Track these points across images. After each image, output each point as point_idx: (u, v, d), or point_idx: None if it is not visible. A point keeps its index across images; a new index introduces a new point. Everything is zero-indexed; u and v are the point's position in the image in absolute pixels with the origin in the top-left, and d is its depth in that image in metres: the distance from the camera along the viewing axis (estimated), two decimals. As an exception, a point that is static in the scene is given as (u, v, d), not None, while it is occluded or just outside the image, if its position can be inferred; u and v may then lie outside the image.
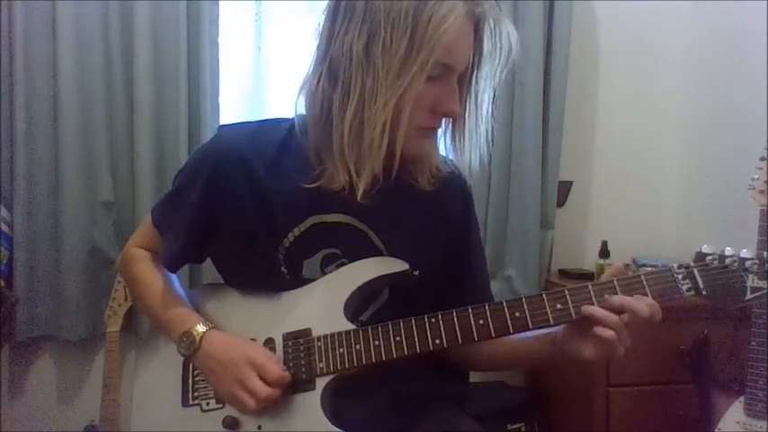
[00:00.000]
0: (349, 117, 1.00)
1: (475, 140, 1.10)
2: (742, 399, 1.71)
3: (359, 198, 1.03)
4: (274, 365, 1.03)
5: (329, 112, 1.03)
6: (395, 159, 1.05)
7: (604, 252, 2.25)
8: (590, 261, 2.39)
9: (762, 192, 1.66)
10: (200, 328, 1.09)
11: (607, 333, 0.96)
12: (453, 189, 1.18)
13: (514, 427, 2.19)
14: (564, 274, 2.37)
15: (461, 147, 1.10)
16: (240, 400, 1.03)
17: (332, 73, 1.02)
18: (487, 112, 1.10)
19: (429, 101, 1.03)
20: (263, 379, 1.02)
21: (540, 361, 1.14)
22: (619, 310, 0.97)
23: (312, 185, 1.07)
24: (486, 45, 1.05)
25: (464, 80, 1.07)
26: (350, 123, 1.00)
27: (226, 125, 1.21)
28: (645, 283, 1.00)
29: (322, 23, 1.05)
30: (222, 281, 1.23)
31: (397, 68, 0.97)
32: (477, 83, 1.08)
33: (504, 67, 1.07)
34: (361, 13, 0.98)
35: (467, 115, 1.09)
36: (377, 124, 0.99)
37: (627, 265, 1.04)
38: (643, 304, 0.97)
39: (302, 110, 1.09)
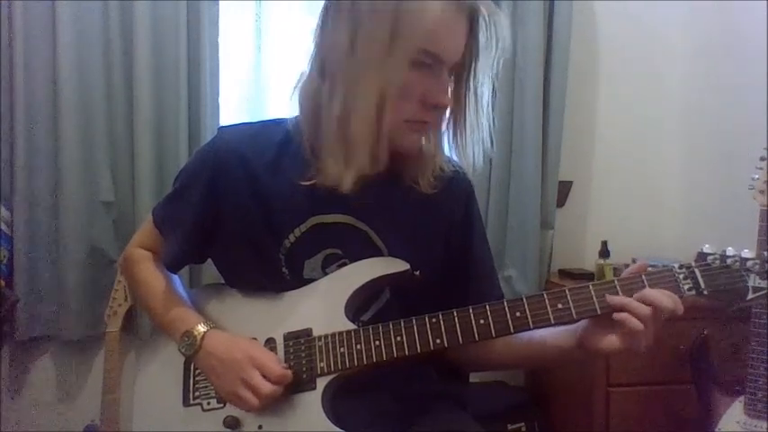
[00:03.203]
0: (336, 109, 1.01)
1: (477, 135, 1.10)
2: (742, 399, 1.72)
3: (343, 190, 1.03)
4: (275, 363, 1.04)
5: (319, 107, 1.05)
6: (397, 157, 1.05)
7: (604, 252, 2.25)
8: (590, 261, 2.39)
9: (762, 192, 1.66)
10: (201, 328, 1.09)
11: (636, 324, 0.96)
12: (455, 188, 1.17)
13: (514, 427, 2.18)
14: (564, 274, 2.37)
15: (463, 142, 1.10)
16: (242, 398, 1.03)
17: (321, 69, 1.04)
18: (488, 105, 1.09)
19: (418, 93, 1.02)
20: (264, 377, 1.02)
21: (557, 358, 1.12)
22: (645, 304, 0.97)
23: (308, 183, 1.07)
24: (482, 38, 1.04)
25: (462, 74, 1.07)
26: (337, 116, 1.01)
27: (226, 126, 1.21)
28: (646, 282, 1.00)
29: (316, 24, 1.06)
30: (223, 281, 1.23)
31: (380, 57, 0.98)
32: (475, 77, 1.07)
33: (501, 57, 1.06)
34: (348, 7, 1.00)
35: (467, 110, 1.08)
36: (362, 115, 0.99)
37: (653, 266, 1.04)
38: (667, 297, 0.97)
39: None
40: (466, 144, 1.10)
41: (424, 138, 1.11)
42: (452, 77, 1.07)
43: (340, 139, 1.02)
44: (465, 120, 1.09)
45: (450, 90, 1.07)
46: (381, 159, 1.05)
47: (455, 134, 1.10)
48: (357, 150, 1.02)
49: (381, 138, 1.02)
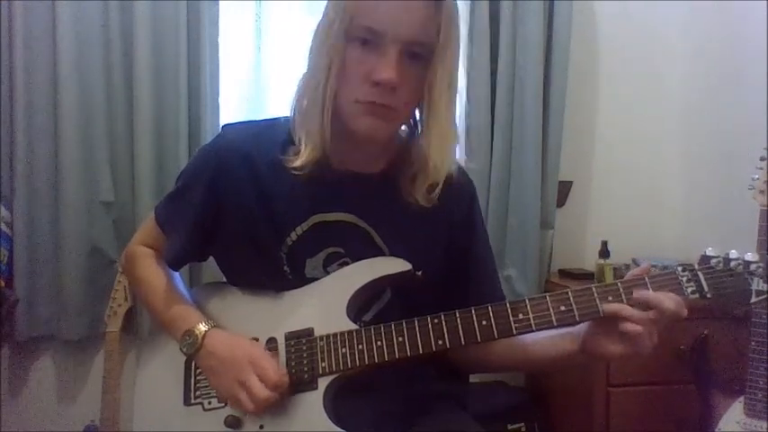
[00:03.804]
0: (297, 93, 1.07)
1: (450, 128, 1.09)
2: (742, 399, 1.72)
3: (293, 168, 1.06)
4: (274, 369, 1.03)
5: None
6: (396, 159, 1.05)
7: (604, 252, 2.25)
8: (590, 261, 2.39)
9: (762, 192, 1.66)
10: (203, 327, 1.09)
11: (635, 329, 0.96)
12: (457, 189, 1.17)
13: (514, 427, 2.18)
14: (564, 274, 2.37)
15: (438, 136, 1.07)
16: (239, 401, 1.03)
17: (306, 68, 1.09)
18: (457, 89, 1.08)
19: (363, 70, 1.01)
20: (262, 381, 1.02)
21: (558, 361, 1.11)
22: (645, 307, 0.98)
23: (291, 167, 1.07)
24: (446, 24, 1.02)
25: (436, 61, 1.02)
26: (298, 99, 1.07)
27: (229, 124, 1.21)
28: (649, 285, 1.00)
29: None
30: (224, 279, 1.23)
31: (326, 35, 1.02)
32: (444, 65, 1.03)
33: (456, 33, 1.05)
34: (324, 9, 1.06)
35: (439, 100, 1.05)
36: (312, 94, 1.03)
37: (654, 267, 1.04)
38: (669, 299, 0.97)
39: None
40: (443, 138, 1.07)
41: (387, 128, 1.06)
42: (428, 67, 1.03)
43: (301, 121, 1.06)
44: (437, 110, 1.05)
45: (427, 80, 1.03)
46: (390, 165, 1.05)
47: (427, 125, 1.07)
48: (312, 131, 1.04)
49: (326, 115, 1.03)
